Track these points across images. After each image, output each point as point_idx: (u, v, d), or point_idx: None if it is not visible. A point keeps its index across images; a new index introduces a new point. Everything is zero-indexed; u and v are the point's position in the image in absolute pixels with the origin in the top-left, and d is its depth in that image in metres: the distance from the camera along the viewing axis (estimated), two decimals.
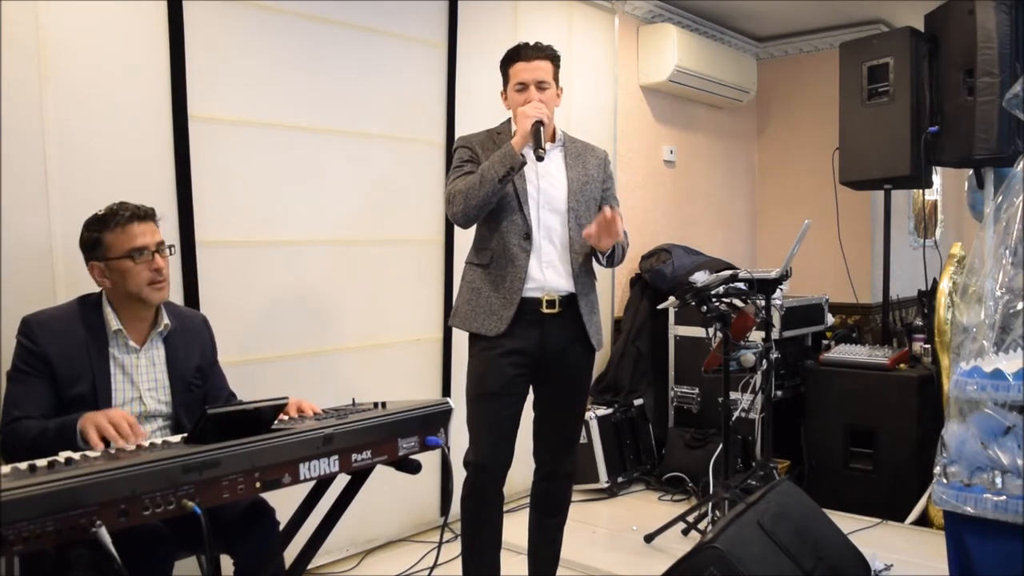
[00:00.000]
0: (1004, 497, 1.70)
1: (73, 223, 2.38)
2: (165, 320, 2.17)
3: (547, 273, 2.47)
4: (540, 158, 2.35)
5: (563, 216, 2.50)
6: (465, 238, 2.68)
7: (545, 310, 2.46)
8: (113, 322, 2.09)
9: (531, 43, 2.51)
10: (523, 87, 2.47)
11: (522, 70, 2.47)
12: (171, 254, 2.19)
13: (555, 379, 2.54)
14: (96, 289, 2.15)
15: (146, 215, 2.13)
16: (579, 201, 2.52)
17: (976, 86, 3.49)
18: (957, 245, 3.76)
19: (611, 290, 4.58)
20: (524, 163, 2.37)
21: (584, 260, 2.53)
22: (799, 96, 5.62)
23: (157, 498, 1.54)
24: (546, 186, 2.50)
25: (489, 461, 2.45)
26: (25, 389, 1.97)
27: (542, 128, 2.36)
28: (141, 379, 2.12)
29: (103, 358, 2.06)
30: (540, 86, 2.47)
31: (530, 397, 2.58)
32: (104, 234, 2.08)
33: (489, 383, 2.45)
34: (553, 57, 2.52)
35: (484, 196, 2.38)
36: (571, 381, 2.58)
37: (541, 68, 2.47)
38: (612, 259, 2.53)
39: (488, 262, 2.49)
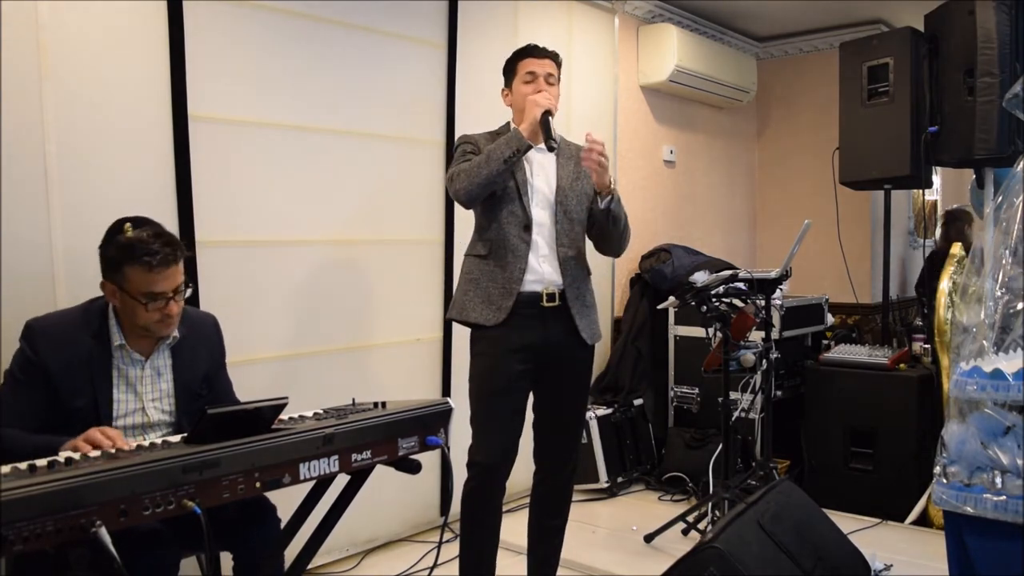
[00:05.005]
0: (1004, 497, 1.70)
1: (73, 223, 2.39)
2: (175, 332, 2.11)
3: (543, 266, 2.48)
4: (552, 148, 2.39)
5: (552, 211, 2.51)
6: (464, 238, 2.68)
7: (545, 303, 2.46)
8: (116, 337, 2.03)
9: (539, 45, 2.60)
10: (533, 76, 2.54)
11: (533, 63, 2.56)
12: (188, 294, 2.09)
13: (556, 377, 2.53)
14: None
15: (173, 260, 1.99)
16: (568, 197, 2.54)
17: (976, 86, 3.49)
18: (957, 245, 3.77)
19: (611, 290, 4.58)
20: (530, 147, 2.41)
21: (574, 255, 2.53)
22: (799, 96, 5.62)
23: (157, 498, 1.53)
24: (539, 182, 2.53)
25: (499, 460, 2.43)
26: (16, 398, 1.95)
27: (551, 119, 2.40)
28: (145, 390, 2.08)
29: (106, 371, 2.02)
30: (548, 79, 2.55)
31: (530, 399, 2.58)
32: (125, 266, 1.96)
33: (494, 381, 2.45)
34: (558, 61, 2.61)
35: (488, 175, 2.39)
36: (572, 379, 2.57)
37: (550, 65, 2.57)
38: (610, 215, 2.48)
39: (487, 252, 2.50)
